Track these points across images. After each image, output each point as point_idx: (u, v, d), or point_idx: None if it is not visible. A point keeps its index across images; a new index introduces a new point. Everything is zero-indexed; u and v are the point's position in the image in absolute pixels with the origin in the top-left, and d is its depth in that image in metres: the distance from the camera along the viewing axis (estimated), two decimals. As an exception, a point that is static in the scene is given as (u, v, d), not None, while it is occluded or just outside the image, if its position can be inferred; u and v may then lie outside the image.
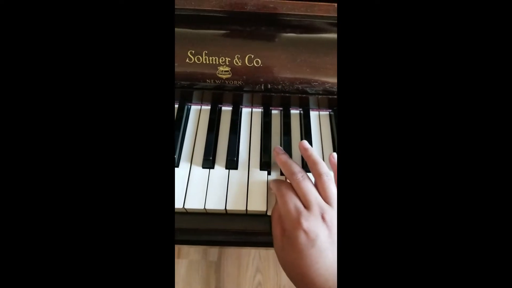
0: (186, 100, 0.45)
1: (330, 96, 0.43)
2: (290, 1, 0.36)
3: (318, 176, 0.34)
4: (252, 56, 0.40)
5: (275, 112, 0.46)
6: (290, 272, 0.32)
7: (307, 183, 0.34)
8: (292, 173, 0.35)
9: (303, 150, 0.37)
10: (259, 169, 0.40)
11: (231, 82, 0.42)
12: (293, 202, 0.33)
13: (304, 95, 0.43)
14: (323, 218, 0.31)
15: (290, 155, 0.40)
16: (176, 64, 0.40)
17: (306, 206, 0.33)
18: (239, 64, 0.40)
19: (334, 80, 0.41)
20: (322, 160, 0.36)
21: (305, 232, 0.31)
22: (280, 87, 0.42)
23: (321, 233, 0.31)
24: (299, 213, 0.32)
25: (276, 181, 0.37)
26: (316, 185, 0.34)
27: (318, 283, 0.29)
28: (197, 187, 0.38)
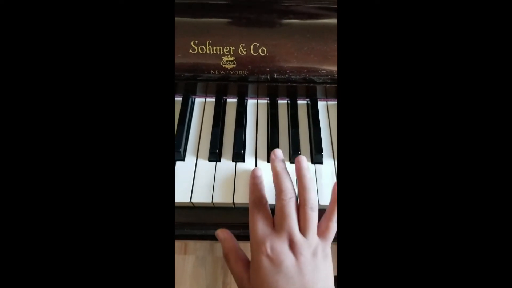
0: (190, 92, 0.44)
1: (338, 85, 0.42)
2: (297, -14, 0.35)
3: (303, 205, 0.31)
4: (258, 44, 0.38)
5: (281, 102, 0.45)
6: None
7: (290, 209, 0.31)
8: (281, 191, 0.31)
9: (298, 168, 0.34)
10: (266, 162, 0.39)
11: (236, 73, 0.40)
12: (261, 225, 0.31)
13: (312, 85, 0.42)
14: (290, 246, 0.29)
15: (298, 148, 0.39)
16: (179, 55, 0.39)
17: (277, 230, 0.30)
18: (244, 53, 0.39)
19: (342, 68, 0.40)
20: (313, 187, 0.32)
21: (269, 256, 0.29)
22: (286, 76, 0.41)
23: (287, 260, 0.28)
24: (265, 237, 0.30)
25: (252, 195, 0.34)
26: (298, 213, 0.31)
27: None
28: (204, 180, 0.37)
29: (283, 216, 0.30)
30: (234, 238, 0.34)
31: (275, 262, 0.29)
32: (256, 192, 0.33)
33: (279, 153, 0.35)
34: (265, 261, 0.29)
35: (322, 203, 0.36)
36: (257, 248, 0.30)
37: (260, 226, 0.31)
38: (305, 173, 0.33)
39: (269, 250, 0.29)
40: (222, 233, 0.34)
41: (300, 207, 0.31)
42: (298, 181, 0.33)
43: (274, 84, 0.42)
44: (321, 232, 0.31)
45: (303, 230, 0.30)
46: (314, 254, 0.30)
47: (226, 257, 0.33)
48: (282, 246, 0.29)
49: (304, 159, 0.34)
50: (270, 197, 0.35)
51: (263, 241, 0.30)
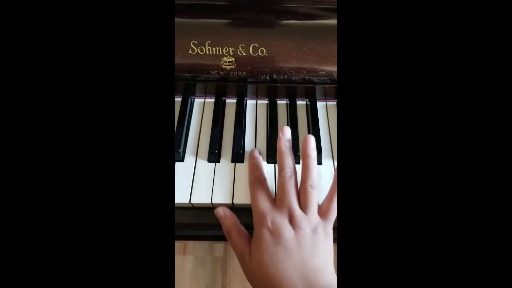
0: (190, 93, 0.44)
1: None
2: (296, -13, 0.35)
3: (303, 182, 0.33)
4: (257, 45, 0.38)
5: (281, 103, 0.45)
6: (258, 278, 0.30)
7: (290, 185, 0.33)
8: (282, 168, 0.34)
9: (304, 147, 0.35)
10: (266, 162, 0.39)
11: (235, 73, 0.40)
12: (262, 200, 0.32)
13: (311, 85, 0.42)
14: (290, 220, 0.31)
15: (297, 148, 0.39)
16: (178, 56, 0.39)
17: (278, 206, 0.32)
18: (244, 54, 0.39)
19: (341, 69, 0.40)
20: (315, 167, 0.34)
21: (269, 229, 0.30)
22: (286, 77, 0.41)
23: (286, 233, 0.30)
24: (266, 211, 0.31)
25: (251, 174, 0.35)
26: (299, 191, 0.33)
27: (286, 284, 0.28)
28: (203, 181, 0.37)
29: (283, 192, 0.32)
30: (234, 215, 0.35)
31: (275, 234, 0.30)
32: (255, 171, 0.35)
33: (286, 131, 0.36)
34: (265, 234, 0.30)
35: (321, 203, 0.36)
36: (259, 221, 0.31)
37: (261, 201, 0.32)
38: (309, 152, 0.34)
39: (269, 223, 0.30)
40: (223, 210, 0.35)
41: (301, 185, 0.33)
42: (302, 160, 0.35)
43: (273, 84, 0.42)
44: (323, 213, 0.32)
45: (303, 206, 0.32)
46: (315, 231, 0.30)
47: (228, 234, 0.34)
48: (282, 220, 0.30)
49: (311, 140, 0.35)
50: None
51: (264, 215, 0.31)
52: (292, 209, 0.31)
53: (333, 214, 0.32)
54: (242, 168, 0.38)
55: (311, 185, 0.32)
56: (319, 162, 0.39)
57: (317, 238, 0.30)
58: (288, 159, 0.34)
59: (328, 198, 0.33)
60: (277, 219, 0.30)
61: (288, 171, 0.33)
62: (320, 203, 0.34)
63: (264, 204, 0.32)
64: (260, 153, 0.38)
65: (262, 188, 0.33)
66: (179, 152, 0.38)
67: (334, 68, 0.40)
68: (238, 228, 0.34)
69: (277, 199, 0.32)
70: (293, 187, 0.33)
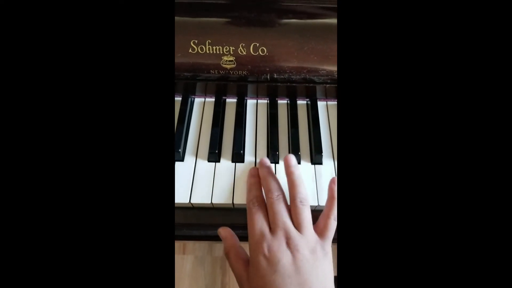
0: (190, 92, 0.44)
1: (338, 86, 0.42)
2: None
3: (293, 200, 0.32)
4: (258, 44, 0.38)
5: (281, 102, 0.45)
6: None
7: (279, 205, 0.32)
8: (268, 191, 0.33)
9: (287, 166, 0.34)
10: (266, 162, 0.39)
11: (235, 73, 0.40)
12: (259, 225, 0.31)
13: (312, 85, 0.42)
14: (287, 243, 0.29)
15: (298, 148, 0.39)
16: (178, 55, 0.39)
17: (272, 229, 0.31)
18: (244, 53, 0.39)
19: (342, 68, 0.40)
20: (302, 182, 0.33)
21: (266, 256, 0.29)
22: (286, 76, 0.41)
23: (284, 258, 0.29)
24: (262, 237, 0.30)
25: (249, 194, 0.34)
26: (290, 209, 0.32)
27: None
28: (203, 181, 0.37)
29: (274, 214, 0.31)
30: (235, 236, 0.34)
31: (272, 261, 0.29)
32: (253, 191, 0.34)
33: (265, 160, 0.36)
34: (262, 261, 0.29)
35: (322, 203, 0.35)
36: (255, 248, 0.30)
37: (257, 226, 0.31)
38: (292, 170, 0.34)
39: (266, 250, 0.29)
40: (224, 231, 0.34)
41: (291, 202, 0.32)
42: (287, 179, 0.34)
43: (273, 84, 0.42)
44: (320, 231, 0.31)
45: (297, 225, 0.31)
46: (313, 251, 0.29)
47: (227, 255, 0.33)
48: (279, 245, 0.29)
49: (292, 158, 0.35)
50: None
51: (260, 241, 0.30)
52: (287, 230, 0.30)
53: (331, 231, 0.31)
54: (243, 168, 0.38)
55: (301, 201, 0.31)
56: (319, 162, 0.39)
57: (316, 259, 0.29)
58: (272, 181, 0.33)
59: (325, 215, 0.32)
60: (273, 245, 0.29)
61: (275, 191, 0.32)
62: (317, 221, 0.33)
63: (260, 229, 0.31)
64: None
65: (259, 212, 0.32)
66: (179, 152, 0.38)
67: (335, 68, 0.40)
68: (237, 250, 0.33)
69: (271, 223, 0.31)
70: (283, 206, 0.32)
